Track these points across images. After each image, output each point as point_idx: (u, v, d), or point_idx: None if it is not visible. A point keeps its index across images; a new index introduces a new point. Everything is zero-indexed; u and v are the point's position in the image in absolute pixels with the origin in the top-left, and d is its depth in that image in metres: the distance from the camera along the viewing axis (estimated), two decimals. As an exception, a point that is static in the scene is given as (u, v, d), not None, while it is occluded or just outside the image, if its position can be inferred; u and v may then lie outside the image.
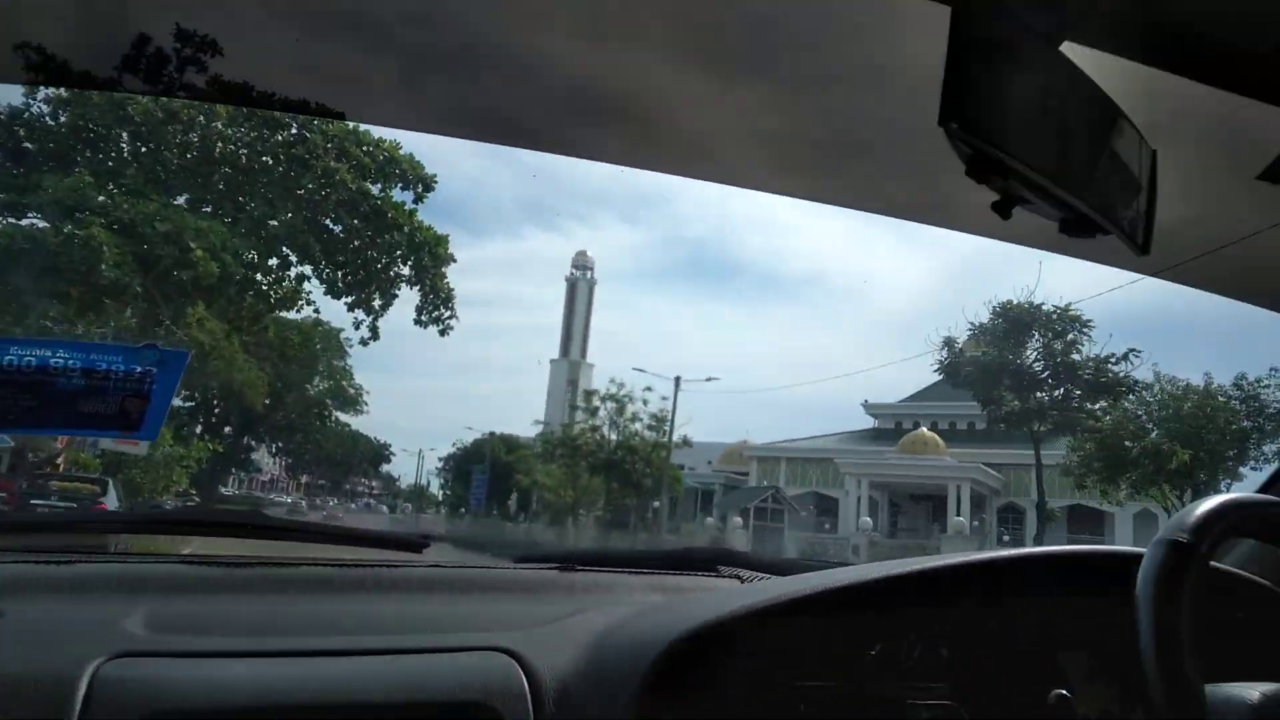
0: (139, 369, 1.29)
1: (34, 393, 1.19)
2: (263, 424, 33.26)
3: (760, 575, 1.63)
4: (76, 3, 1.42)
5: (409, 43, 1.48)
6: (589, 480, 32.40)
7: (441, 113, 1.70)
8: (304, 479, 41.72)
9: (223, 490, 35.23)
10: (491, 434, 42.52)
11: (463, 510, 41.36)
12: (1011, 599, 1.37)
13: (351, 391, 35.18)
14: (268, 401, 29.69)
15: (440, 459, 45.09)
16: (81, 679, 1.01)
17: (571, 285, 64.69)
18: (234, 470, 36.18)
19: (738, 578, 1.63)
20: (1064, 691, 1.14)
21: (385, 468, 44.14)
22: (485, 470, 40.71)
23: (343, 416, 35.24)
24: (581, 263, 64.79)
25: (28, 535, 1.59)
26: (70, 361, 1.24)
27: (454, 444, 44.75)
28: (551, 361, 59.36)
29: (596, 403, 32.43)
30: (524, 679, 1.12)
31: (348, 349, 33.11)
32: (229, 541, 1.63)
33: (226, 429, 32.50)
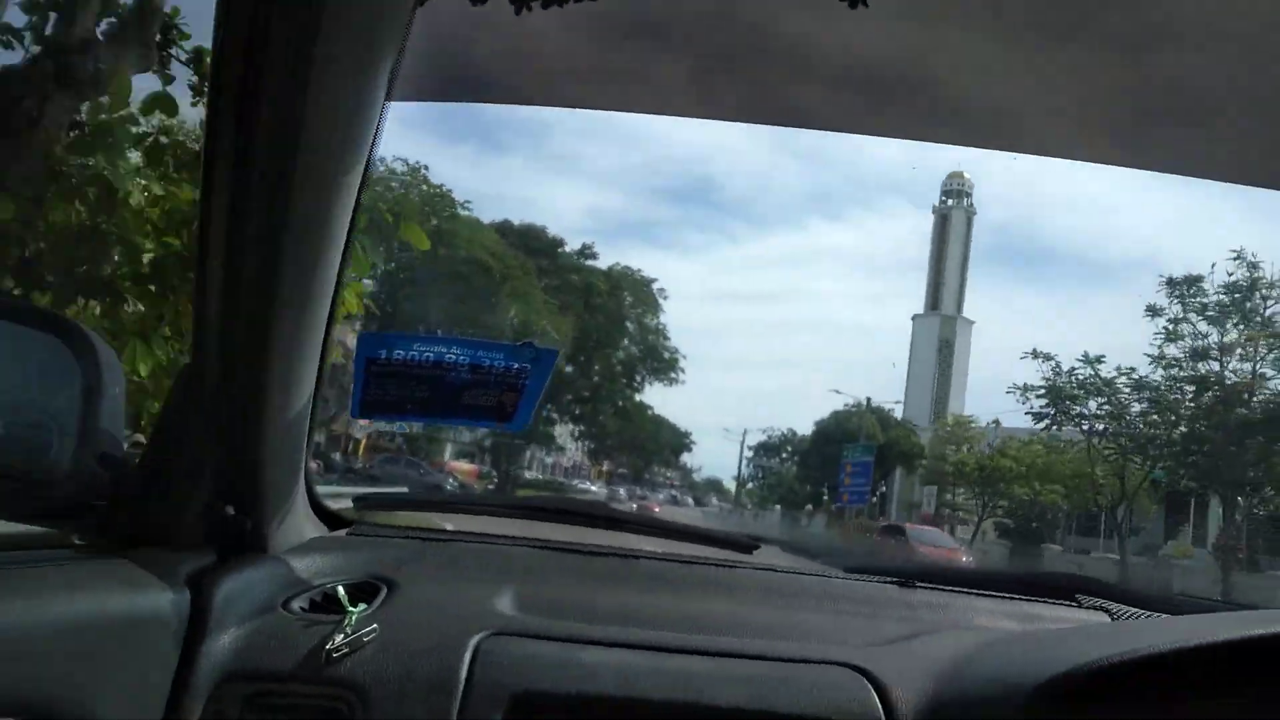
0: (515, 365, 1.39)
1: (428, 385, 1.33)
2: (565, 391, 29.35)
3: (1131, 610, 1.44)
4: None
5: (699, 41, 1.52)
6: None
7: (733, 103, 1.71)
8: (604, 466, 38.61)
9: (525, 473, 33.03)
10: (868, 401, 34.13)
11: (828, 506, 33.06)
12: None
13: (667, 355, 30.83)
14: (569, 364, 27.13)
15: (750, 447, 39.45)
16: (465, 653, 1.09)
17: (942, 218, 49.53)
18: (531, 445, 32.97)
19: (1105, 610, 1.46)
20: None
21: (685, 458, 39.98)
22: (869, 450, 30.18)
23: (647, 396, 31.58)
24: (957, 187, 49.07)
25: (418, 513, 1.77)
26: (460, 358, 1.37)
27: (764, 431, 39.54)
28: (915, 318, 44.89)
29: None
30: (877, 699, 1.06)
31: (662, 304, 30.17)
32: (575, 530, 1.71)
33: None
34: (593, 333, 27.90)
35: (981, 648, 1.17)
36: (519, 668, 1.10)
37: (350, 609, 1.16)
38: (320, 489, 1.48)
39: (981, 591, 1.62)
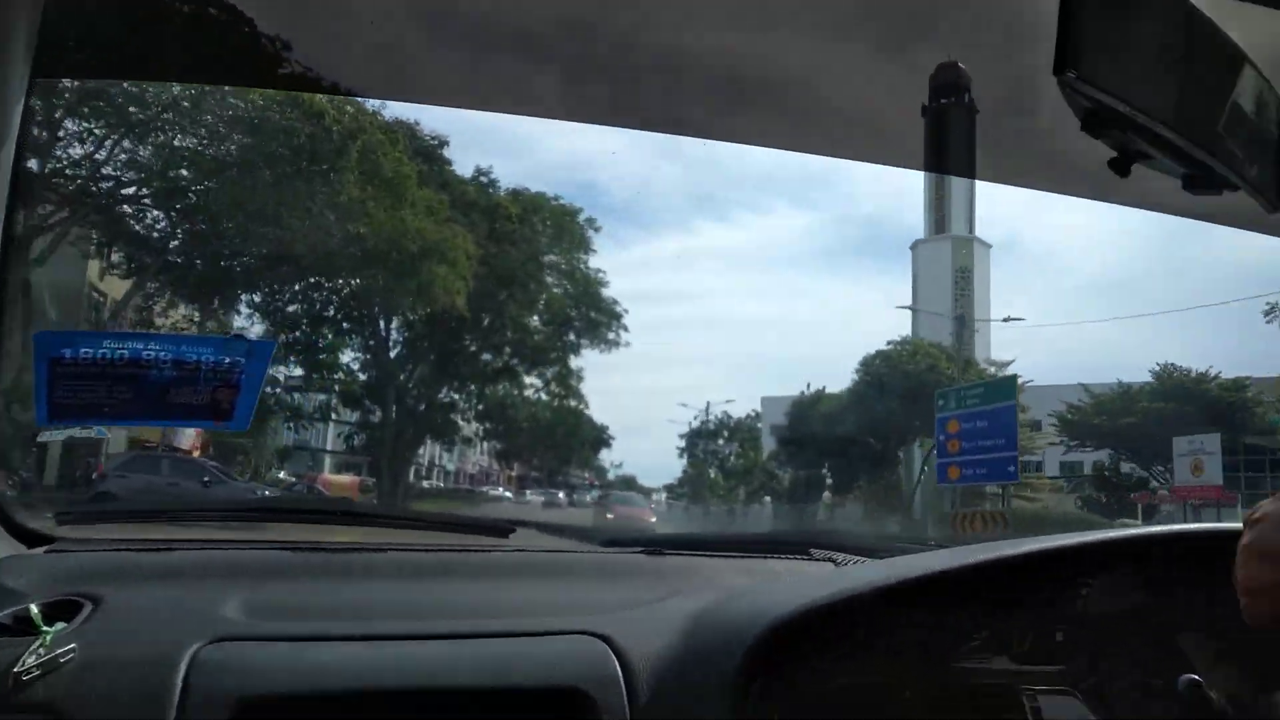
0: (228, 359, 1.31)
1: (128, 385, 1.22)
2: (463, 363, 21.48)
3: (855, 558, 1.59)
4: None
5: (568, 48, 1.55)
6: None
7: (605, 107, 1.77)
8: (514, 470, 31.62)
9: (422, 484, 26.05)
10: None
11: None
12: (1129, 580, 1.31)
13: (604, 302, 21.63)
14: (466, 312, 18.60)
15: (681, 435, 31.49)
16: (180, 663, 1.03)
17: (936, 118, 34.16)
18: (426, 439, 24.44)
19: (831, 560, 1.60)
20: (1195, 678, 1.08)
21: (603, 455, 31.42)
22: (1005, 390, 16.68)
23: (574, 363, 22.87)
24: (952, 79, 34.98)
25: (130, 524, 1.64)
26: (162, 354, 1.26)
27: (695, 417, 31.56)
28: (916, 245, 33.85)
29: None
30: (617, 663, 1.10)
31: (591, 241, 20.91)
32: (321, 528, 1.65)
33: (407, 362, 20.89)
34: (501, 273, 19.63)
35: (718, 603, 1.24)
36: (245, 673, 1.05)
37: (45, 629, 1.06)
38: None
39: (725, 554, 1.73)
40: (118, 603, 1.18)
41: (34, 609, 1.09)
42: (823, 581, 1.24)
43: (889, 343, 23.66)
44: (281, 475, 21.11)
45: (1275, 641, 0.79)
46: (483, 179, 20.57)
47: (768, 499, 27.16)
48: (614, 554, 1.60)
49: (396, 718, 1.07)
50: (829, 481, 25.52)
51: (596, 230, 21.78)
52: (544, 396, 24.23)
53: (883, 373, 22.38)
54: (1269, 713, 0.97)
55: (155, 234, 17.19)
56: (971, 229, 34.46)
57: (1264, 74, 0.91)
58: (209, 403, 1.34)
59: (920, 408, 19.66)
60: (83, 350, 1.25)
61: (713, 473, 31.72)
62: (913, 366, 22.07)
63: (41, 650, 1.02)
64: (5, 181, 0.94)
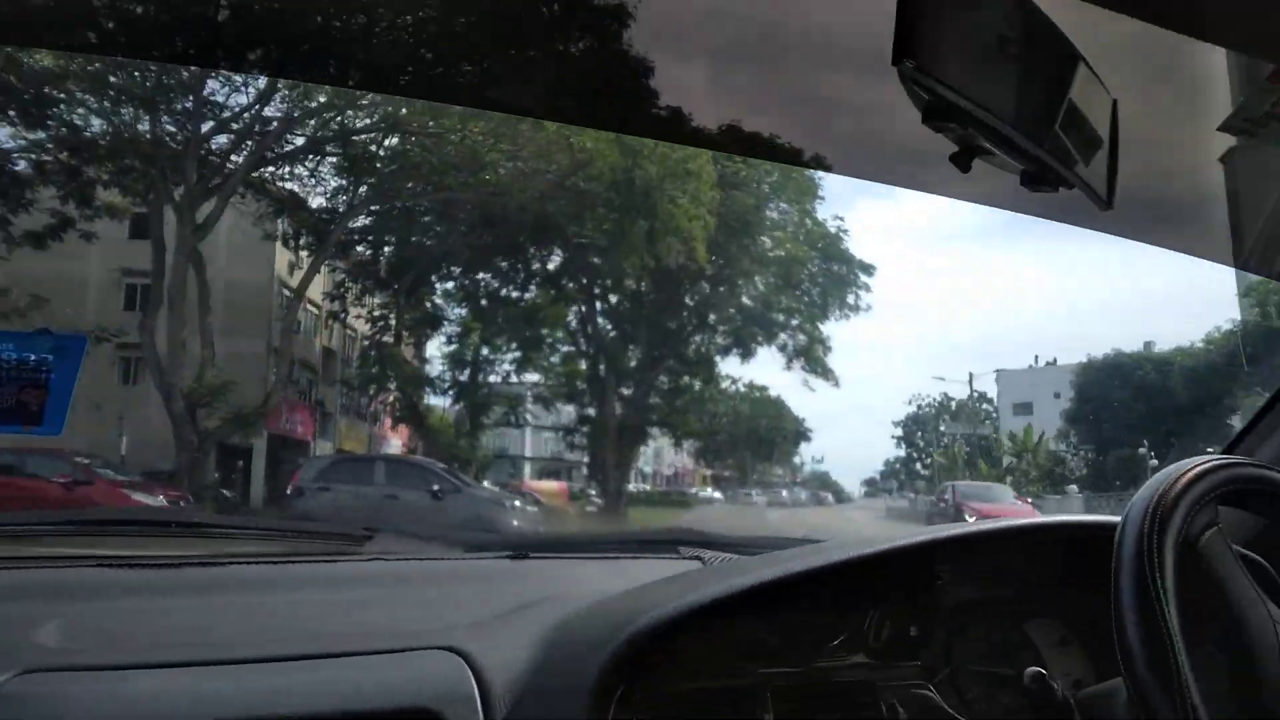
0: (32, 358, 1.18)
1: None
2: (681, 333, 17.38)
3: (723, 556, 1.59)
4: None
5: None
6: None
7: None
8: (710, 469, 27.60)
9: (627, 487, 20.03)
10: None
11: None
12: (981, 572, 1.35)
13: (847, 254, 17.54)
14: (705, 261, 14.56)
15: (895, 422, 29.00)
16: None
17: None
18: (647, 434, 19.97)
19: (699, 559, 1.59)
20: (1040, 670, 1.11)
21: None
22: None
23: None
24: None
25: None
26: (-50, 352, 1.14)
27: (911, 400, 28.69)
28: None
29: None
30: (473, 680, 1.05)
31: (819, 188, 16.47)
32: (157, 542, 1.53)
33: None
34: (732, 220, 15.23)
35: (578, 614, 1.21)
36: (53, 708, 0.95)
37: None
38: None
39: (591, 555, 1.69)
40: None
41: None
42: (687, 584, 1.22)
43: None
44: (485, 484, 16.92)
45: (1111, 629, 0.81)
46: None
47: (1072, 487, 21.58)
48: (476, 560, 1.55)
49: None
50: (1153, 462, 18.75)
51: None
52: (741, 388, 21.22)
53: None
54: (1109, 700, 1.01)
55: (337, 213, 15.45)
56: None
57: (1097, 75, 0.93)
58: (14, 405, 1.20)
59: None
60: None
61: (939, 457, 27.62)
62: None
63: None
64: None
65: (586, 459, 20.05)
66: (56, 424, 1.20)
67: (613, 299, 18.12)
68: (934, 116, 0.73)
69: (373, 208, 16.13)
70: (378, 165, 15.14)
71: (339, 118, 14.66)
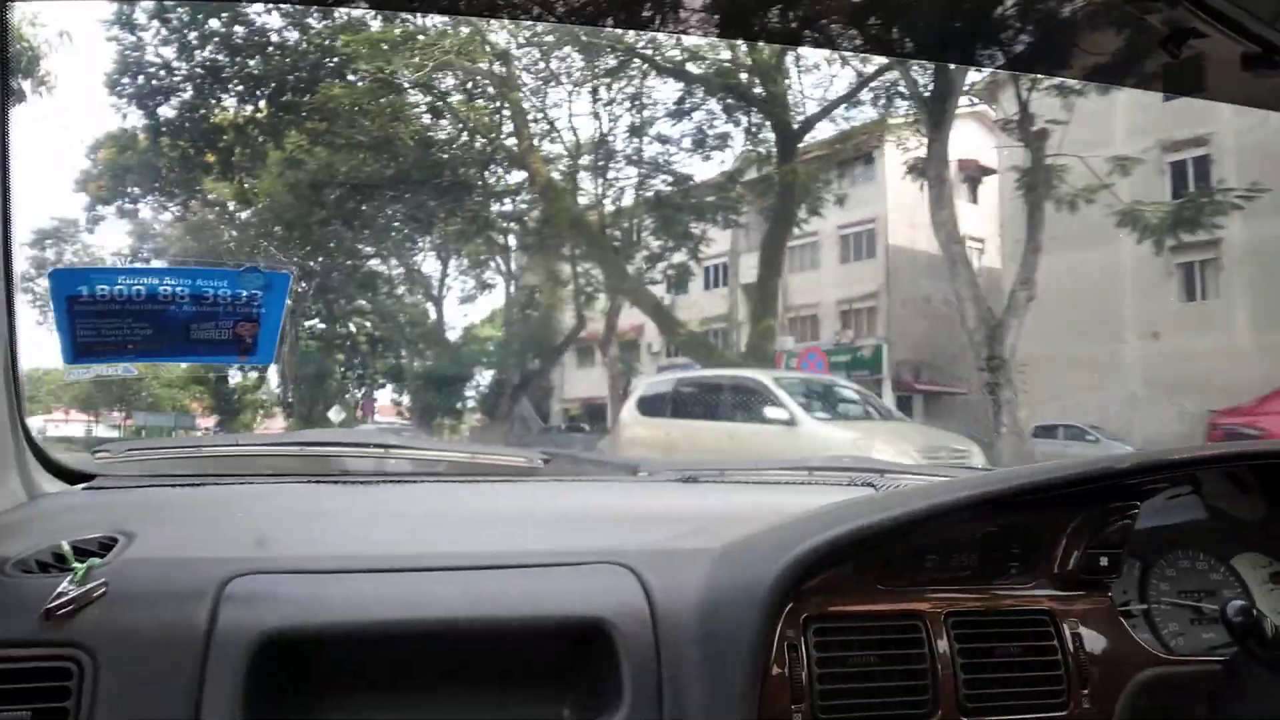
0: (245, 293, 1.28)
1: (149, 321, 1.20)
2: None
3: (894, 482, 1.55)
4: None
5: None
6: None
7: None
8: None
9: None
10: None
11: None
12: (1184, 501, 1.26)
13: None
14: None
15: None
16: (207, 596, 1.03)
17: None
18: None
19: (871, 485, 1.56)
20: (1247, 604, 1.03)
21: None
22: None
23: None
24: None
25: (165, 460, 1.65)
26: (179, 289, 1.23)
27: None
28: None
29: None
30: (644, 594, 1.08)
31: None
32: (354, 461, 1.64)
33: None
34: None
35: (745, 535, 1.21)
36: (271, 606, 1.05)
37: (76, 564, 1.06)
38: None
39: (760, 481, 1.69)
40: (149, 538, 1.18)
41: (65, 545, 1.10)
42: (859, 508, 1.20)
43: None
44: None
45: None
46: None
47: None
48: (646, 483, 1.58)
49: (418, 648, 1.06)
50: None
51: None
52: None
53: None
54: None
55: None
56: None
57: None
58: (232, 338, 1.32)
59: None
60: (99, 287, 1.22)
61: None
62: None
63: (73, 585, 1.02)
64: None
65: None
66: (268, 354, 1.31)
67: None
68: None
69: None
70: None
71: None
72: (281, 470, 1.57)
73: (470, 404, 23.81)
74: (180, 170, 17.35)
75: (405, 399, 25.67)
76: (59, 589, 1.02)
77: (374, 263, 22.87)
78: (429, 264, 23.65)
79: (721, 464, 1.81)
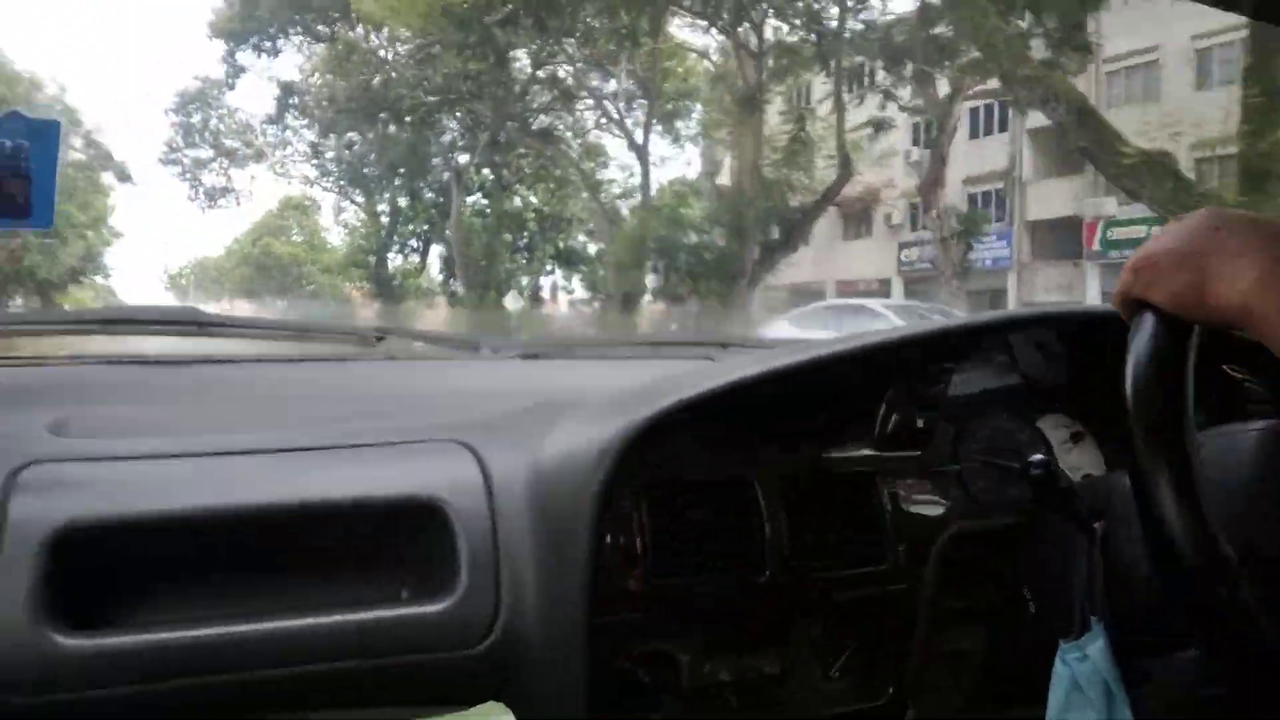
0: (8, 144, 1.09)
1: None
2: None
3: (732, 351, 1.57)
4: None
5: None
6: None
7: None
8: None
9: None
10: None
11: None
12: (996, 364, 1.33)
13: None
14: None
15: None
16: None
17: None
18: None
19: (709, 358, 1.57)
20: (1046, 458, 1.09)
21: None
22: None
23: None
24: None
25: None
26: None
27: None
28: None
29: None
30: (479, 472, 1.05)
31: None
32: (165, 341, 1.50)
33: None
34: None
35: (583, 408, 1.19)
36: (64, 496, 0.94)
37: None
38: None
39: (605, 357, 1.67)
40: None
41: None
42: (694, 377, 1.20)
43: None
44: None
45: (1124, 423, 0.75)
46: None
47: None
48: (488, 359, 1.52)
49: (238, 538, 0.99)
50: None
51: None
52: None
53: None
54: (1111, 487, 0.99)
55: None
56: None
57: None
58: (-1, 197, 1.13)
59: None
60: None
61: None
62: None
63: None
64: None
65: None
66: (46, 216, 1.13)
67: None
68: None
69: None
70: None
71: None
72: (80, 351, 1.42)
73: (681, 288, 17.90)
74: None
75: (577, 286, 21.17)
76: None
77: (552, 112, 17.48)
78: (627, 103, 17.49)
79: (567, 339, 1.78)
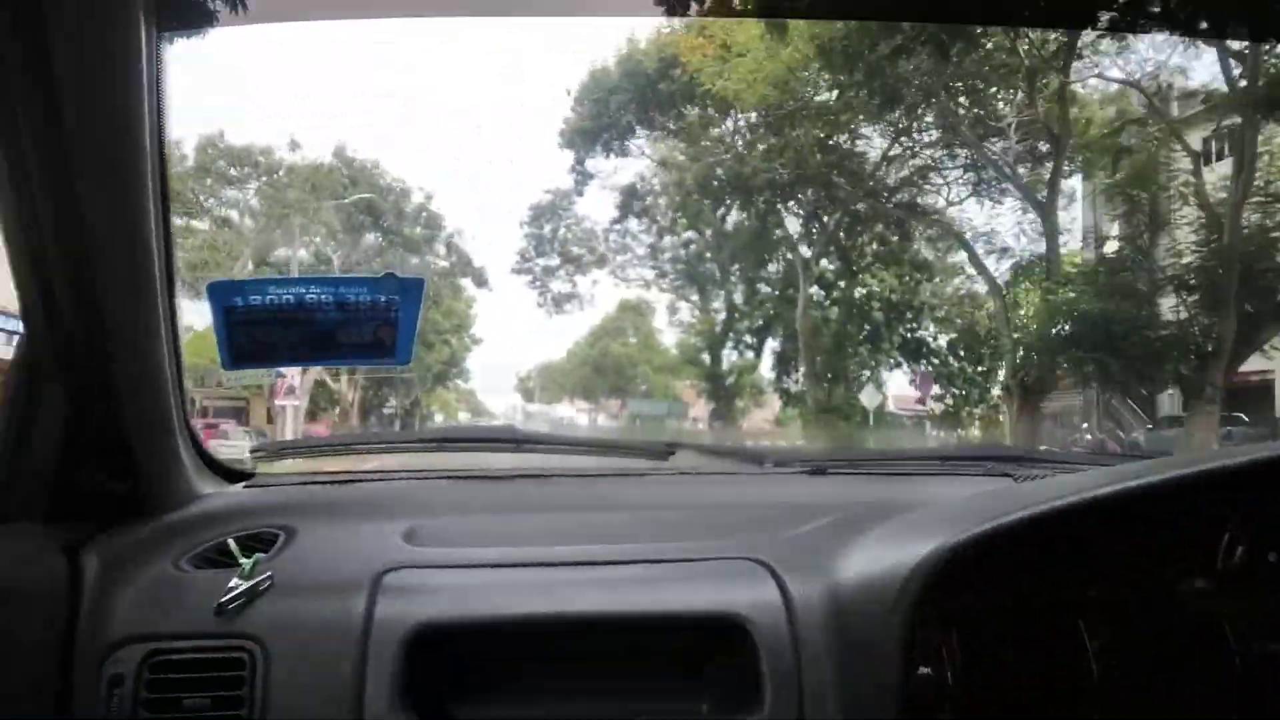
0: (384, 298, 1.35)
1: (297, 328, 1.28)
2: None
3: (1033, 473, 1.48)
4: None
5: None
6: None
7: None
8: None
9: None
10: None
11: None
12: None
13: None
14: None
15: None
16: (363, 588, 1.08)
17: None
18: None
19: (1008, 475, 1.49)
20: None
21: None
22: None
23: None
24: None
25: (318, 458, 1.75)
26: (323, 296, 1.32)
27: None
28: None
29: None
30: (778, 590, 1.07)
31: None
32: (486, 456, 1.69)
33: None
34: None
35: (881, 528, 1.19)
36: (419, 599, 1.10)
37: (242, 560, 1.14)
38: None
39: (892, 472, 1.64)
40: (307, 533, 1.25)
41: (231, 542, 1.18)
42: (997, 503, 1.15)
43: None
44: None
45: None
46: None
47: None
48: (776, 474, 1.56)
49: (559, 642, 1.09)
50: None
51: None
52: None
53: None
54: None
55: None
56: None
57: None
58: (374, 340, 1.39)
59: None
60: (251, 297, 1.31)
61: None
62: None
63: (242, 580, 1.10)
64: (143, 130, 0.97)
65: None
66: (406, 355, 1.38)
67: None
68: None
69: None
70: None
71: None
72: (420, 466, 1.63)
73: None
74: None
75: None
76: (229, 584, 1.10)
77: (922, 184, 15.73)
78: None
79: (850, 453, 1.77)
